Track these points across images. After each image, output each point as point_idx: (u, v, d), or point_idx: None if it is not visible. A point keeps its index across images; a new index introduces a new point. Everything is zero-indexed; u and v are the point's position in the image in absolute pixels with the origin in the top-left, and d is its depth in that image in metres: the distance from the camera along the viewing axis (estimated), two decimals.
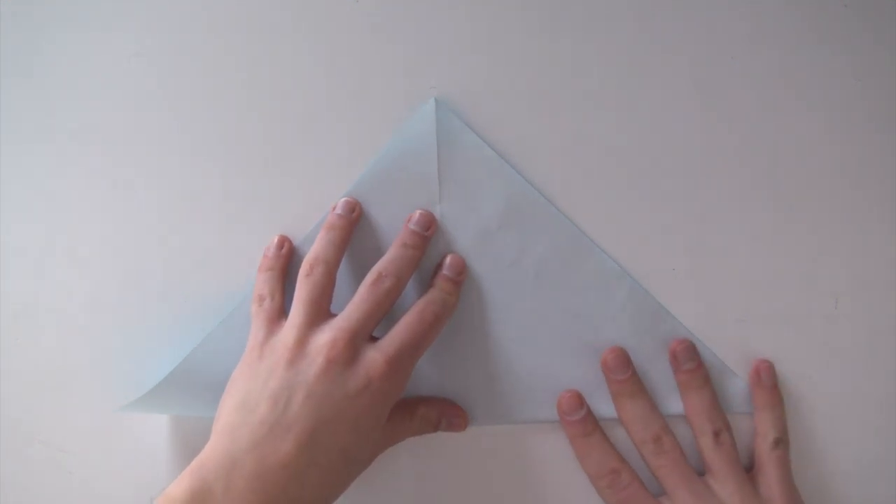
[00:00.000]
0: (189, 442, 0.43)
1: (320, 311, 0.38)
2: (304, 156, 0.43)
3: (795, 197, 0.43)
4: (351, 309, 0.38)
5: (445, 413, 0.42)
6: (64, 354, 0.44)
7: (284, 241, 0.42)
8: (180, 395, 0.41)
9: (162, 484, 0.36)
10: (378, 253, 0.41)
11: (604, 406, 0.42)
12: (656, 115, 0.43)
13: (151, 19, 0.43)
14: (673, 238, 0.43)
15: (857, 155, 0.42)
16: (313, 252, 0.40)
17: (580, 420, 0.41)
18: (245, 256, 0.43)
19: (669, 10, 0.43)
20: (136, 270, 0.43)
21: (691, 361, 0.41)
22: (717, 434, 0.40)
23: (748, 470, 0.41)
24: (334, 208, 0.41)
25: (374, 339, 0.38)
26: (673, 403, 0.42)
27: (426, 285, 0.41)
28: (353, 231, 0.41)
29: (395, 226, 0.41)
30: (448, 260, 0.41)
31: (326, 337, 0.37)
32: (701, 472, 0.41)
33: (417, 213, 0.41)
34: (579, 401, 0.41)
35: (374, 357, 0.37)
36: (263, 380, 0.36)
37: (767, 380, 0.42)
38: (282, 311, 0.39)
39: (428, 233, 0.41)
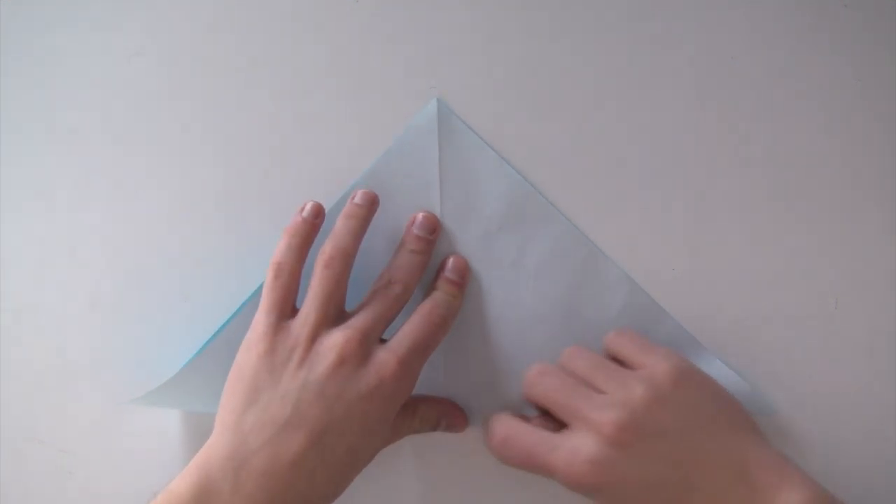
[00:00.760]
0: (190, 442, 0.43)
1: (335, 308, 0.38)
2: (305, 156, 0.43)
3: (795, 197, 0.43)
4: (363, 311, 0.38)
5: (445, 413, 0.42)
6: (64, 354, 0.44)
7: (320, 212, 0.40)
8: (195, 389, 0.41)
9: (162, 484, 0.36)
10: (378, 253, 0.41)
11: None
12: (656, 115, 0.43)
13: (151, 19, 0.43)
14: (673, 238, 0.43)
15: (857, 155, 0.42)
16: (333, 239, 0.39)
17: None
18: (245, 256, 0.43)
19: (669, 11, 0.43)
20: (136, 270, 0.43)
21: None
22: None
23: None
24: (353, 197, 0.40)
25: (381, 342, 0.38)
26: None
27: (428, 285, 0.41)
28: (371, 222, 0.40)
29: (396, 226, 0.41)
30: (451, 262, 0.41)
31: (339, 336, 0.37)
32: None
33: (421, 215, 0.41)
34: None
35: (386, 358, 0.37)
36: (275, 377, 0.36)
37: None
38: (295, 291, 0.39)
39: (432, 236, 0.41)
